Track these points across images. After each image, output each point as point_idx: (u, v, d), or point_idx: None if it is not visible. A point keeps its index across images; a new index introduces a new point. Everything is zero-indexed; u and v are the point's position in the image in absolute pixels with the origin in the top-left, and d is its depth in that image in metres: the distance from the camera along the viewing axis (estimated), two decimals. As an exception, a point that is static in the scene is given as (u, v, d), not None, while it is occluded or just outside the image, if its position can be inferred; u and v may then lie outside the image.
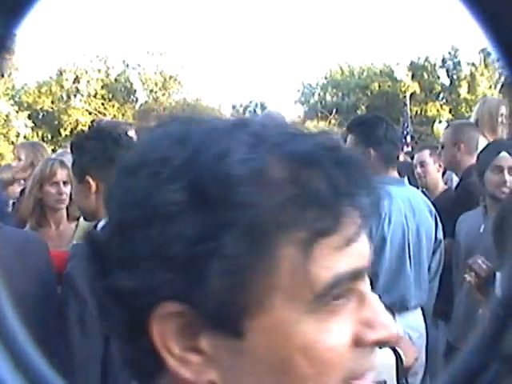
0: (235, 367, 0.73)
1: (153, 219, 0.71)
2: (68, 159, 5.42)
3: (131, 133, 4.60)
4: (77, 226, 3.75)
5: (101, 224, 2.45)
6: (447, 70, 39.30)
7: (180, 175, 0.71)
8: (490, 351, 0.64)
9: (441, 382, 0.79)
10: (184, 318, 0.72)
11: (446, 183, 5.67)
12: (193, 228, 0.70)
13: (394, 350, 2.58)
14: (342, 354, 0.72)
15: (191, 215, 0.70)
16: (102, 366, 2.25)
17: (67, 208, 3.76)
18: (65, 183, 3.63)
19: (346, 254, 0.73)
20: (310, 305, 0.71)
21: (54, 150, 14.17)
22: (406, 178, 3.97)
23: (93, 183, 2.42)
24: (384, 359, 2.49)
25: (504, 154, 3.87)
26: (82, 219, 3.70)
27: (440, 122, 10.58)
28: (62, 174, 3.63)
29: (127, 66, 38.79)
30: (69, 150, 6.33)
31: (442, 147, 4.92)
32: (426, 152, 5.66)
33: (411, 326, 3.59)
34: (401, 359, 2.55)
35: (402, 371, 2.55)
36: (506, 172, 3.85)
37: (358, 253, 0.74)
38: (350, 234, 0.73)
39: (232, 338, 0.72)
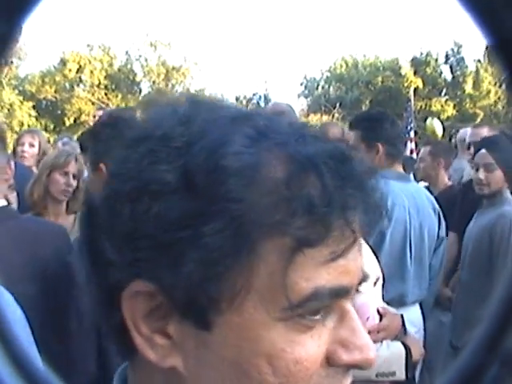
0: (199, 358, 0.72)
1: (141, 194, 0.71)
2: (72, 147, 5.41)
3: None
4: (75, 219, 3.74)
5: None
6: (451, 67, 39.19)
7: (176, 157, 0.71)
8: (490, 351, 0.63)
9: (441, 382, 0.79)
10: (155, 300, 0.72)
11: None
12: (177, 211, 0.69)
13: (404, 344, 2.60)
14: (309, 369, 0.70)
15: (178, 199, 0.69)
16: (98, 357, 2.25)
17: (67, 201, 3.75)
18: (74, 176, 3.62)
19: (331, 269, 0.70)
20: (284, 313, 0.69)
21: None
22: (411, 175, 3.99)
23: (106, 171, 2.40)
24: (395, 351, 2.51)
25: (481, 151, 3.89)
26: (79, 213, 3.71)
27: (433, 118, 10.57)
28: (74, 167, 3.62)
29: (130, 56, 38.75)
30: (74, 140, 6.33)
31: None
32: (428, 148, 5.73)
33: (409, 320, 3.60)
34: (410, 353, 2.57)
35: (410, 364, 2.56)
36: (481, 169, 3.87)
37: (345, 269, 0.72)
38: (337, 249, 0.70)
39: (199, 328, 0.71)
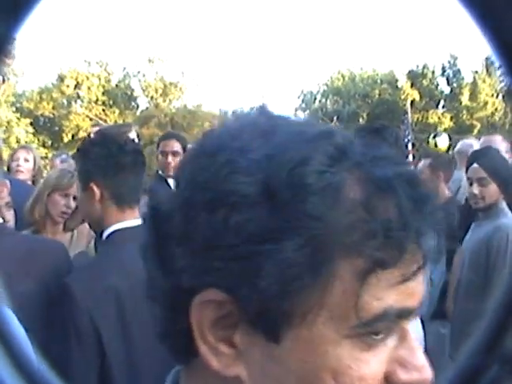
0: (264, 369, 0.73)
1: (219, 205, 0.71)
2: (70, 165, 5.42)
3: (133, 134, 4.61)
4: (72, 236, 3.72)
5: (106, 233, 2.43)
6: (447, 79, 39.40)
7: (256, 169, 0.71)
8: (490, 351, 0.63)
9: (441, 382, 0.76)
10: (224, 309, 0.72)
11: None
12: (257, 224, 0.69)
13: None
14: None
15: (257, 212, 0.70)
16: (98, 377, 2.23)
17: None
18: (74, 198, 3.61)
19: (400, 291, 0.71)
20: (352, 331, 0.70)
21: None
22: None
23: (97, 190, 2.38)
24: None
25: (474, 165, 3.89)
26: (76, 231, 3.69)
27: (434, 136, 10.58)
28: (75, 189, 3.61)
29: (128, 72, 38.92)
30: (70, 157, 6.34)
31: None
32: (428, 161, 5.72)
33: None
34: None
35: None
36: (475, 184, 3.87)
37: (412, 292, 0.73)
38: (407, 272, 0.71)
39: (267, 340, 0.72)
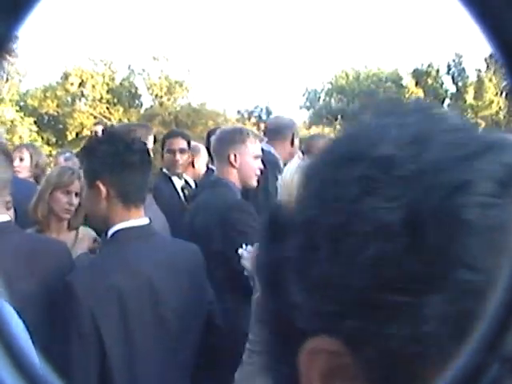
0: None
1: (347, 234, 0.55)
2: (74, 162, 5.43)
3: (151, 137, 4.70)
4: (76, 235, 3.71)
5: (111, 232, 2.43)
6: (452, 77, 39.36)
7: (400, 190, 0.54)
8: (490, 350, 0.57)
9: (441, 381, 0.74)
10: (340, 359, 0.58)
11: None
12: (394, 266, 0.53)
13: None
14: None
15: (397, 249, 0.54)
16: (98, 377, 2.23)
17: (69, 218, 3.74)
18: (76, 195, 3.60)
19: None
20: None
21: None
22: None
23: (103, 188, 2.37)
24: None
25: None
26: (81, 228, 3.70)
27: None
28: (77, 185, 3.60)
29: (132, 70, 38.96)
30: (74, 155, 6.35)
31: None
32: None
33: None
34: None
35: None
36: None
37: None
38: None
39: None
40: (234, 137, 3.56)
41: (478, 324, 0.55)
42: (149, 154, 2.53)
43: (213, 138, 3.79)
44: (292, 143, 4.39)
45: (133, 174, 2.40)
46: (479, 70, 36.67)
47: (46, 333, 2.23)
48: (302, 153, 4.43)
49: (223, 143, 3.57)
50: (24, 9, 0.65)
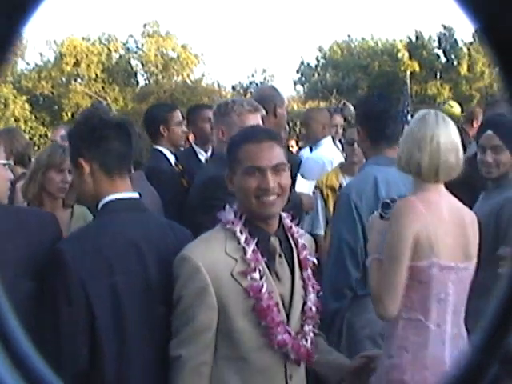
0: None
1: None
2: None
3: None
4: (72, 213, 3.77)
5: (100, 204, 2.48)
6: (444, 51, 39.12)
7: None
8: (490, 351, 0.62)
9: (442, 381, 0.76)
10: None
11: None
12: None
13: None
14: None
15: None
16: (89, 345, 2.29)
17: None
18: (69, 172, 3.66)
19: None
20: None
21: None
22: None
23: (86, 165, 2.45)
24: None
25: (488, 133, 3.73)
26: (76, 206, 3.75)
27: (444, 103, 10.37)
28: (68, 163, 3.64)
29: (128, 49, 38.65)
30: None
31: None
32: None
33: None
34: None
35: None
36: (488, 152, 3.72)
37: None
38: None
39: None
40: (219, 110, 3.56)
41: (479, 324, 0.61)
42: (128, 127, 2.60)
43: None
44: (275, 114, 4.18)
45: (109, 144, 2.47)
46: (470, 43, 36.38)
47: (33, 305, 2.29)
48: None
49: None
50: (26, 11, 0.71)
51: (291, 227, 2.50)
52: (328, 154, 5.68)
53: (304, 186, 4.81)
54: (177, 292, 2.30)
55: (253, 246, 2.31)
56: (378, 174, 3.50)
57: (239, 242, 2.32)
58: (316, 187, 4.96)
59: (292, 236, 2.49)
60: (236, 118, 3.43)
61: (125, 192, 2.49)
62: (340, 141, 6.28)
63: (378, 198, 3.36)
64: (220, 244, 2.32)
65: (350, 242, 3.45)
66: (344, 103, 7.70)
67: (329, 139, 5.95)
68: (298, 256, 2.47)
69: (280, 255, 2.41)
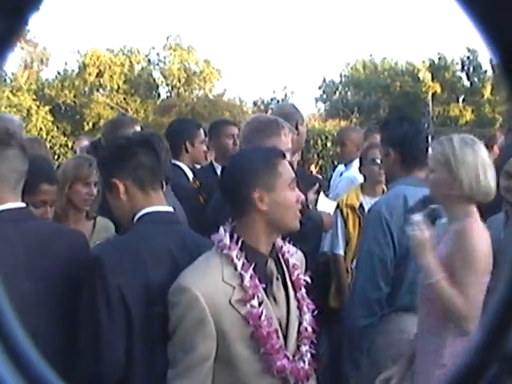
0: None
1: None
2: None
3: (138, 128, 4.61)
4: (94, 224, 3.78)
5: (136, 217, 2.52)
6: (467, 74, 39.07)
7: None
8: (490, 351, 0.62)
9: (442, 381, 0.76)
10: None
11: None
12: None
13: None
14: None
15: None
16: (125, 349, 2.31)
17: (86, 207, 3.78)
18: (95, 184, 3.67)
19: None
20: None
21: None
22: None
23: (120, 184, 2.48)
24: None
25: None
26: (99, 218, 3.76)
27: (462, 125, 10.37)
28: (95, 175, 3.65)
29: (149, 61, 38.91)
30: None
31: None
32: None
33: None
34: None
35: None
36: None
37: None
38: None
39: None
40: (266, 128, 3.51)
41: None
42: (151, 142, 2.61)
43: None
44: (297, 132, 4.20)
45: (139, 160, 2.50)
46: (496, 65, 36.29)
47: (71, 313, 2.33)
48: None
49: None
50: (25, 11, 0.70)
51: (282, 247, 2.47)
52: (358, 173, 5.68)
53: (326, 205, 4.79)
54: (174, 322, 2.27)
55: (250, 272, 2.27)
56: (407, 192, 3.50)
57: (236, 269, 2.28)
58: (336, 206, 4.93)
59: (283, 256, 2.46)
60: (284, 139, 3.45)
61: (160, 205, 2.52)
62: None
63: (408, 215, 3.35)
64: (217, 271, 2.28)
65: (382, 258, 3.44)
66: (378, 122, 7.75)
67: (358, 159, 5.97)
68: (290, 276, 2.44)
69: (277, 278, 2.38)
